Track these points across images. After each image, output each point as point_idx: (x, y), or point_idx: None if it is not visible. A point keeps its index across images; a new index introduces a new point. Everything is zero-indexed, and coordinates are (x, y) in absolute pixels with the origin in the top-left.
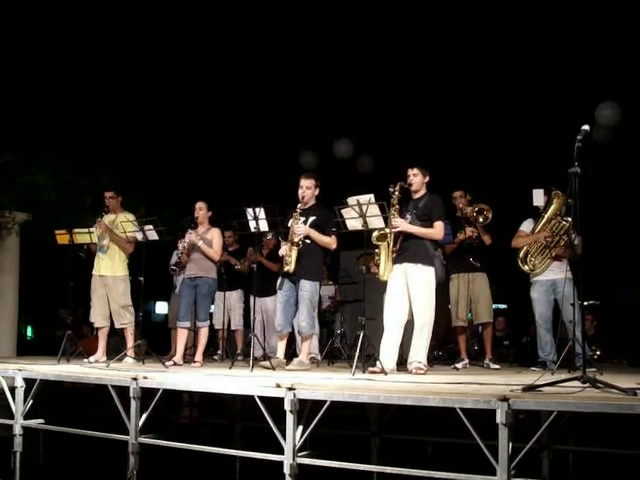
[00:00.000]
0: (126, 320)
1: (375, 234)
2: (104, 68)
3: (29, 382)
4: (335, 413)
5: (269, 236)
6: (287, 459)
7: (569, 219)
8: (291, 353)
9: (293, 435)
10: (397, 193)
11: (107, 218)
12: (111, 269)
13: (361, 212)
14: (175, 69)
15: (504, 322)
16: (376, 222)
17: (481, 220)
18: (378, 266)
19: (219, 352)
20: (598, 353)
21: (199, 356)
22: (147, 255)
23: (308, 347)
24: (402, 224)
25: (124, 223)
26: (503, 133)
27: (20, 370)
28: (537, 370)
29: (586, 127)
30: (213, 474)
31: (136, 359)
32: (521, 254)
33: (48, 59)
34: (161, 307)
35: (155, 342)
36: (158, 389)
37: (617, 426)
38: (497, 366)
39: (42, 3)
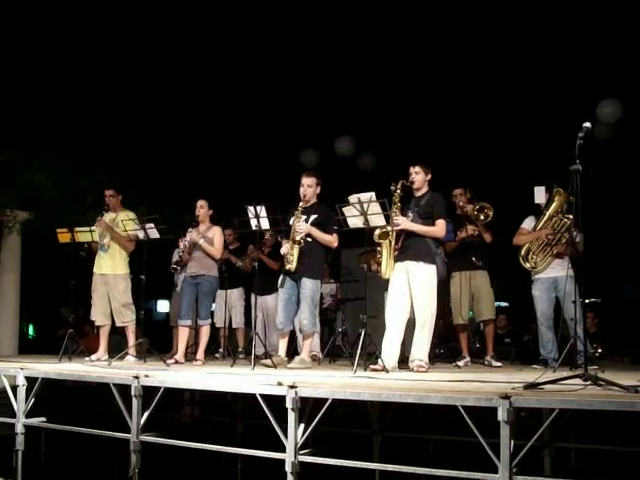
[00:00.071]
0: (127, 318)
1: (377, 232)
2: (104, 68)
3: (31, 381)
4: (337, 411)
5: (267, 235)
6: (289, 457)
7: (570, 216)
8: (292, 351)
9: (295, 433)
10: (399, 191)
11: (107, 217)
12: (112, 267)
13: (362, 210)
14: (175, 69)
15: (505, 320)
16: (377, 220)
17: (482, 218)
18: (380, 264)
19: (220, 350)
20: (599, 351)
21: (200, 354)
22: (148, 253)
23: (309, 345)
24: (404, 222)
25: (125, 221)
26: (504, 131)
27: (22, 369)
28: (539, 368)
29: (587, 124)
30: (215, 472)
31: (137, 357)
32: (523, 252)
33: (48, 59)
34: (162, 305)
35: (156, 340)
36: (160, 387)
37: (619, 424)
38: (499, 364)
39: (42, 3)
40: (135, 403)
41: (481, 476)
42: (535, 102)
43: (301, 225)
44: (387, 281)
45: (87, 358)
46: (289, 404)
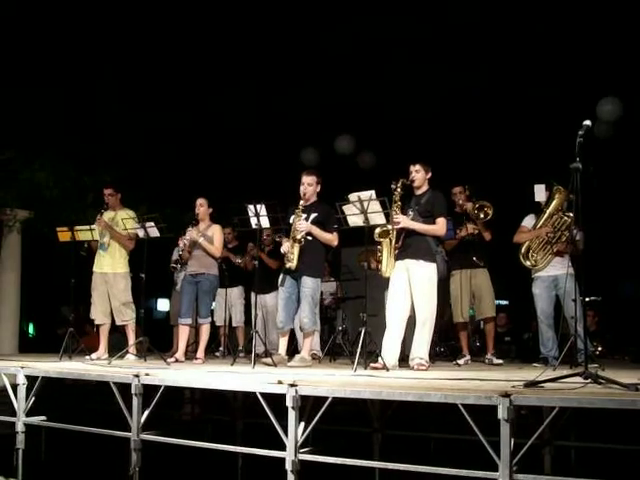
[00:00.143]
0: (127, 317)
1: (377, 230)
2: (104, 68)
3: (31, 379)
4: (337, 409)
5: (264, 235)
6: (289, 455)
7: (571, 214)
8: (292, 350)
9: (295, 431)
10: (399, 189)
11: (106, 215)
12: (112, 266)
13: (362, 208)
14: (175, 69)
15: (506, 318)
16: (377, 218)
17: (482, 217)
18: (380, 262)
19: (221, 349)
20: (600, 349)
21: (201, 353)
22: (148, 252)
23: (310, 344)
24: (404, 220)
25: (125, 220)
26: (504, 129)
27: (22, 367)
28: (539, 366)
29: (587, 122)
30: (215, 471)
31: (138, 356)
32: (523, 250)
33: (48, 59)
34: (162, 304)
35: (157, 339)
36: (160, 386)
37: (619, 422)
38: (499, 361)
39: (42, 3)
40: (135, 402)
41: (481, 474)
42: (535, 101)
43: (301, 224)
44: (387, 279)
45: (87, 357)
46: (289, 402)
